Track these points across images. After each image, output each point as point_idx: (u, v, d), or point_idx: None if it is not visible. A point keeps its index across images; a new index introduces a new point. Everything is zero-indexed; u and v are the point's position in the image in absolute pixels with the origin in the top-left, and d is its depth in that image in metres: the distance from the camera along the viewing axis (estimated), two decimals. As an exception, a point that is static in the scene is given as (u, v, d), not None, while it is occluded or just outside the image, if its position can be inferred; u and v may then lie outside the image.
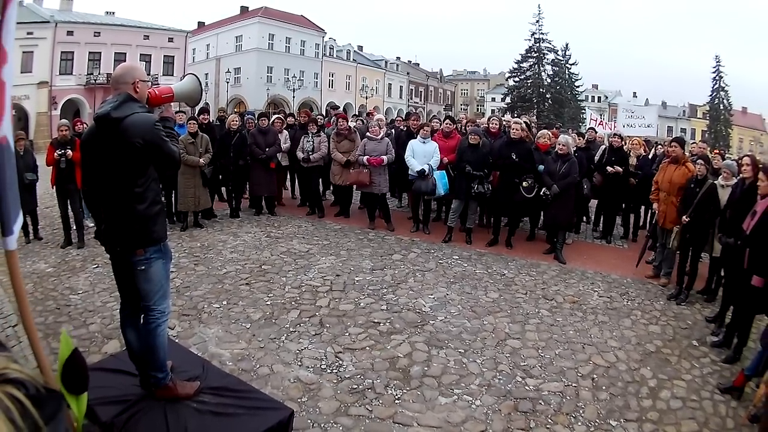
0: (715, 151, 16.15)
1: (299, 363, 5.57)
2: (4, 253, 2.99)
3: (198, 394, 4.20)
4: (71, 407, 3.06)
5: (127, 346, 4.24)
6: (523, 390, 5.31)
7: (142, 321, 4.05)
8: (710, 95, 72.18)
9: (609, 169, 10.94)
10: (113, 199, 3.78)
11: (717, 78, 71.32)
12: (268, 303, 7.14)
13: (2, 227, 2.87)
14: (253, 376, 5.23)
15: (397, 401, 4.97)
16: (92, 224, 10.13)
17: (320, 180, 13.04)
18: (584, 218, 13.09)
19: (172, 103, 4.31)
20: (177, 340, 5.61)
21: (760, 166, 6.54)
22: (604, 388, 5.47)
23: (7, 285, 6.91)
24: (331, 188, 13.66)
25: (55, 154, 9.32)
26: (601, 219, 12.32)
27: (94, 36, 42.43)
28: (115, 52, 43.61)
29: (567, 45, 72.70)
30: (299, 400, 4.85)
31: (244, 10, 59.37)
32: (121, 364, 4.49)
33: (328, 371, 5.44)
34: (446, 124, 11.56)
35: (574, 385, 5.48)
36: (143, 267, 3.85)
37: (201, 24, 62.68)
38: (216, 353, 5.66)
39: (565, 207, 9.85)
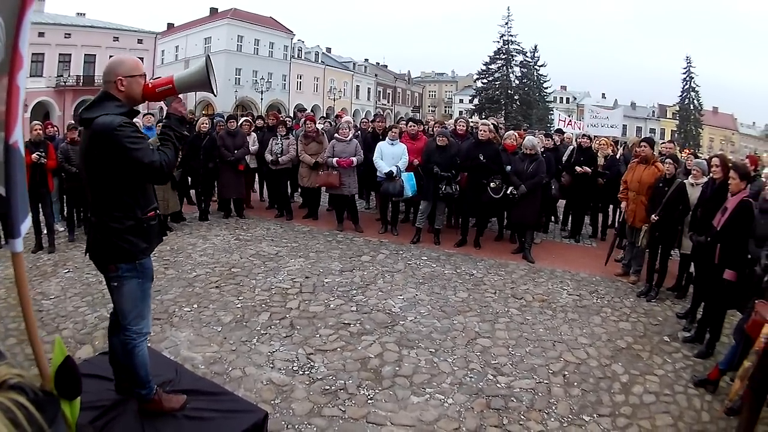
0: (686, 150, 16.38)
1: (271, 365, 5.56)
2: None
3: (184, 408, 4.11)
4: (65, 412, 3.05)
5: (110, 351, 4.14)
6: (494, 388, 5.36)
7: (120, 338, 3.88)
8: (680, 96, 73.44)
9: (578, 169, 11.05)
10: (93, 207, 3.63)
11: (687, 78, 72.52)
12: (239, 306, 7.12)
13: (10, 230, 2.86)
14: (226, 379, 5.22)
15: (369, 401, 4.99)
16: (62, 228, 10.02)
17: (288, 182, 12.99)
18: (552, 218, 13.19)
19: (180, 96, 3.74)
20: (149, 345, 5.57)
21: (731, 165, 6.66)
22: (575, 384, 5.54)
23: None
24: (299, 190, 13.63)
25: (33, 155, 9.02)
26: (569, 218, 12.47)
27: (65, 37, 42.14)
28: (85, 54, 43.50)
29: (536, 47, 73.58)
30: (272, 402, 4.84)
31: (213, 11, 59.21)
32: (96, 369, 4.44)
33: (300, 373, 5.43)
34: (410, 126, 11.64)
35: (545, 381, 5.54)
36: (116, 284, 3.65)
37: (170, 25, 62.17)
38: (188, 357, 5.63)
39: (533, 207, 9.95)
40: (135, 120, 3.92)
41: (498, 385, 5.43)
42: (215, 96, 4.01)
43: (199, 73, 3.59)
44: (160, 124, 10.31)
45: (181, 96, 3.72)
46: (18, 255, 2.88)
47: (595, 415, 4.99)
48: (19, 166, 2.76)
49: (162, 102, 3.79)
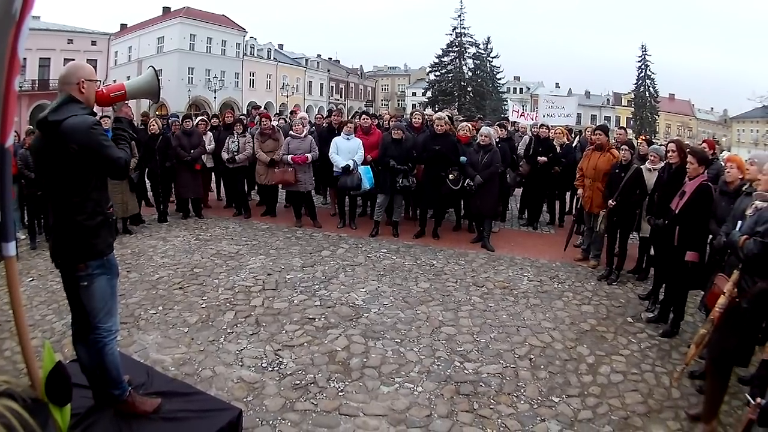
0: (641, 137, 16.63)
1: (240, 363, 5.58)
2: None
3: (158, 411, 4.12)
4: (56, 419, 3.04)
5: (78, 360, 4.09)
6: (462, 374, 5.45)
7: (90, 338, 3.88)
8: (636, 83, 74.33)
9: (540, 159, 11.20)
10: (55, 208, 3.66)
11: (643, 66, 73.30)
12: (203, 306, 7.09)
13: (3, 233, 2.85)
14: (197, 379, 5.21)
15: (340, 393, 5.04)
16: (24, 237, 9.83)
17: (245, 180, 12.92)
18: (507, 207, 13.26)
19: (128, 102, 4.07)
20: (118, 349, 5.54)
21: (688, 150, 6.82)
22: (542, 367, 5.66)
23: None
24: (256, 188, 13.66)
25: None
26: (526, 207, 12.61)
27: (19, 41, 41.31)
28: (39, 58, 42.88)
29: (488, 39, 74.08)
30: (245, 400, 4.86)
31: (166, 10, 58.32)
32: (70, 377, 4.43)
33: (270, 369, 5.46)
34: (363, 119, 11.69)
35: (512, 366, 5.65)
36: (85, 283, 3.69)
37: (123, 26, 60.92)
38: (158, 359, 5.61)
39: (491, 196, 10.06)
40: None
41: (466, 371, 5.52)
42: (156, 103, 4.22)
43: (150, 83, 3.99)
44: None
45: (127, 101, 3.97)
46: (11, 259, 2.88)
47: (564, 396, 5.12)
48: (8, 168, 2.79)
49: (112, 106, 4.02)
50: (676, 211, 6.36)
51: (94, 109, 3.82)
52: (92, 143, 3.47)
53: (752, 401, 3.62)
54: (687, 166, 6.47)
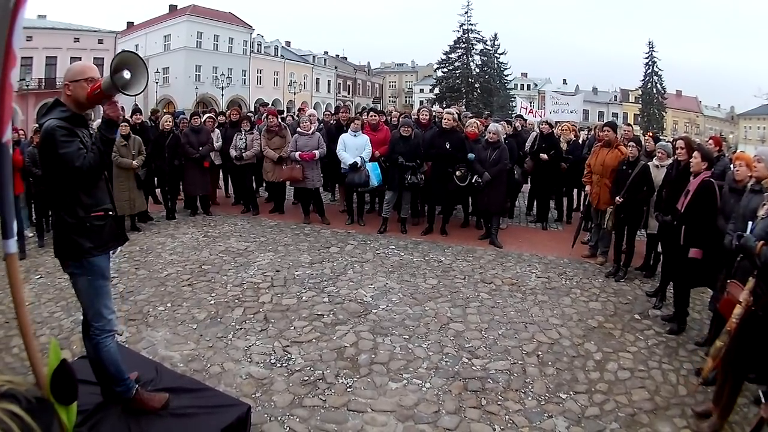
0: (648, 133, 16.57)
1: (249, 359, 5.59)
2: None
3: (166, 407, 4.13)
4: (62, 418, 3.04)
5: (87, 356, 4.11)
6: (470, 370, 5.46)
7: (89, 333, 3.92)
8: (643, 80, 74.01)
9: (542, 156, 11.17)
10: (51, 206, 3.74)
11: (650, 63, 73.07)
12: (212, 302, 7.11)
13: (3, 230, 2.85)
14: (205, 375, 5.23)
15: (348, 389, 5.06)
16: (32, 234, 9.84)
17: (253, 177, 12.95)
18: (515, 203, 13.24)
19: (115, 99, 3.65)
20: (126, 346, 5.54)
21: (695, 146, 6.80)
22: (550, 363, 5.66)
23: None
24: (264, 185, 13.68)
25: None
26: (534, 203, 12.62)
27: (26, 40, 41.16)
28: (46, 57, 42.86)
29: (496, 35, 73.71)
30: (253, 396, 4.88)
31: (172, 8, 58.52)
32: (77, 373, 4.43)
33: (278, 365, 5.47)
34: (371, 116, 11.68)
35: (520, 362, 5.66)
36: (72, 280, 3.78)
37: (130, 24, 61.36)
38: (166, 356, 5.63)
39: (498, 193, 10.04)
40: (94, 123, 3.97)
41: (474, 367, 5.53)
42: (132, 96, 3.75)
43: (107, 75, 3.44)
44: (124, 123, 10.20)
45: (115, 99, 3.67)
46: (11, 256, 2.87)
47: (571, 393, 5.12)
48: (8, 165, 2.78)
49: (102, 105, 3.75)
50: (682, 211, 6.36)
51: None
52: (51, 145, 3.48)
53: (764, 400, 3.61)
54: (691, 161, 6.47)
